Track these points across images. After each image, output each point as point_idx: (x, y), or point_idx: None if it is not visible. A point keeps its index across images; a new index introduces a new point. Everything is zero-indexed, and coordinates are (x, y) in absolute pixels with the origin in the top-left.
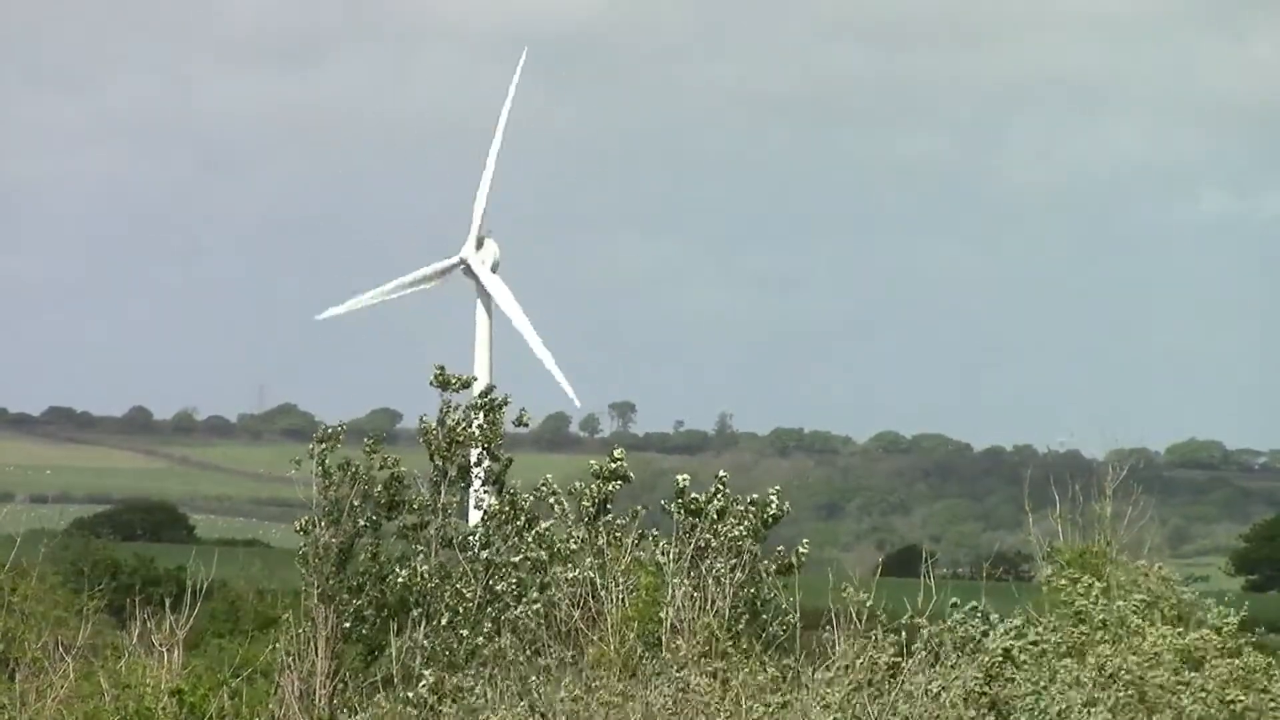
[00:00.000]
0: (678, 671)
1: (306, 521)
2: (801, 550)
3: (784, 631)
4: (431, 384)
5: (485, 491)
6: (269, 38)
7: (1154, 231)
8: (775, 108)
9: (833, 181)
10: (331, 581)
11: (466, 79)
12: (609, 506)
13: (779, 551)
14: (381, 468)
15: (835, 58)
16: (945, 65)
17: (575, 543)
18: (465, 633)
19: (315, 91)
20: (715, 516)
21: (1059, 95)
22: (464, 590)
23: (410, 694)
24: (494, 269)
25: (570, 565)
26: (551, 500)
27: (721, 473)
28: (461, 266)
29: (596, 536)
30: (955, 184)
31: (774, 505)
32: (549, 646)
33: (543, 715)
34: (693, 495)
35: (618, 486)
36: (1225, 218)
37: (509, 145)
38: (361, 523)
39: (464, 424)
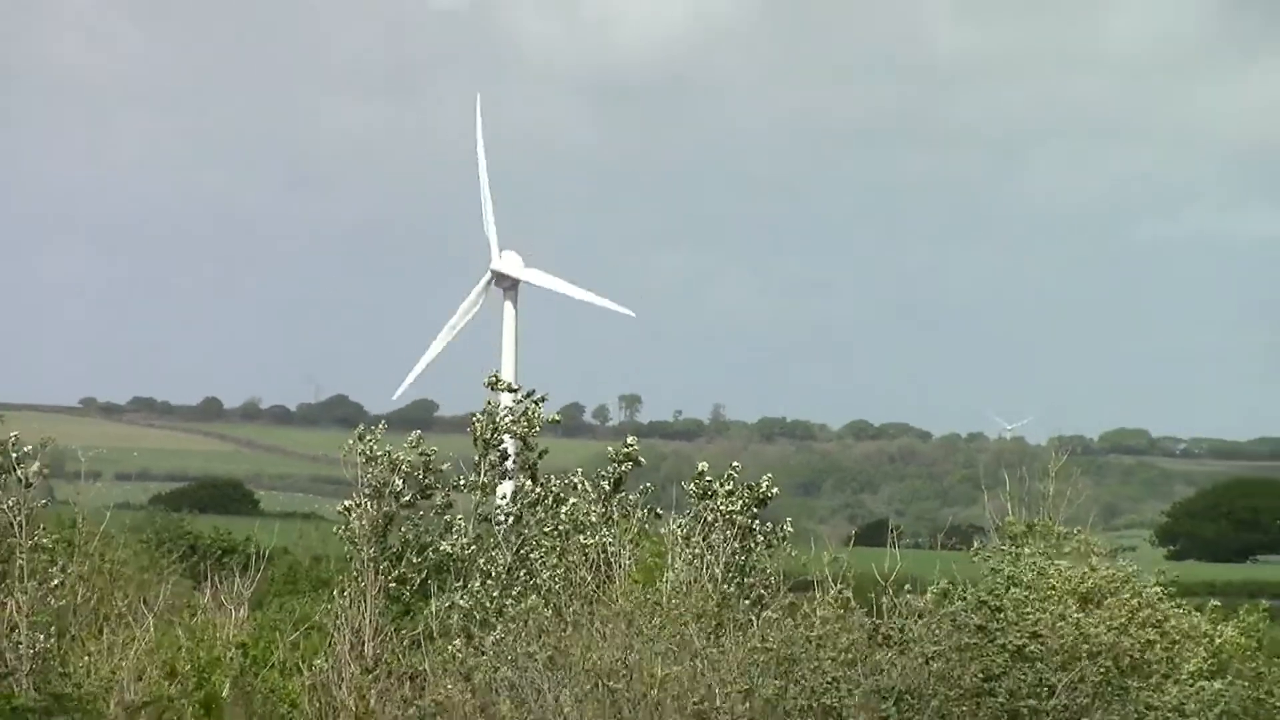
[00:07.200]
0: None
1: (350, 504)
2: (787, 528)
3: (766, 592)
4: (484, 385)
5: (521, 477)
6: (366, 70)
7: (1127, 249)
8: (812, 132)
9: (845, 202)
10: (374, 550)
11: (542, 113)
12: (622, 485)
13: (768, 526)
14: (420, 455)
15: (876, 89)
16: (975, 98)
17: (594, 516)
18: (496, 594)
19: (405, 121)
20: (724, 497)
21: (1073, 126)
22: (496, 557)
23: (450, 648)
24: (515, 284)
25: (589, 535)
26: (577, 481)
27: (735, 463)
28: (493, 278)
29: (611, 511)
30: (959, 205)
31: (765, 487)
32: (569, 605)
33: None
34: (708, 480)
35: (629, 468)
36: (1199, 236)
37: (549, 170)
38: (405, 499)
39: (508, 418)
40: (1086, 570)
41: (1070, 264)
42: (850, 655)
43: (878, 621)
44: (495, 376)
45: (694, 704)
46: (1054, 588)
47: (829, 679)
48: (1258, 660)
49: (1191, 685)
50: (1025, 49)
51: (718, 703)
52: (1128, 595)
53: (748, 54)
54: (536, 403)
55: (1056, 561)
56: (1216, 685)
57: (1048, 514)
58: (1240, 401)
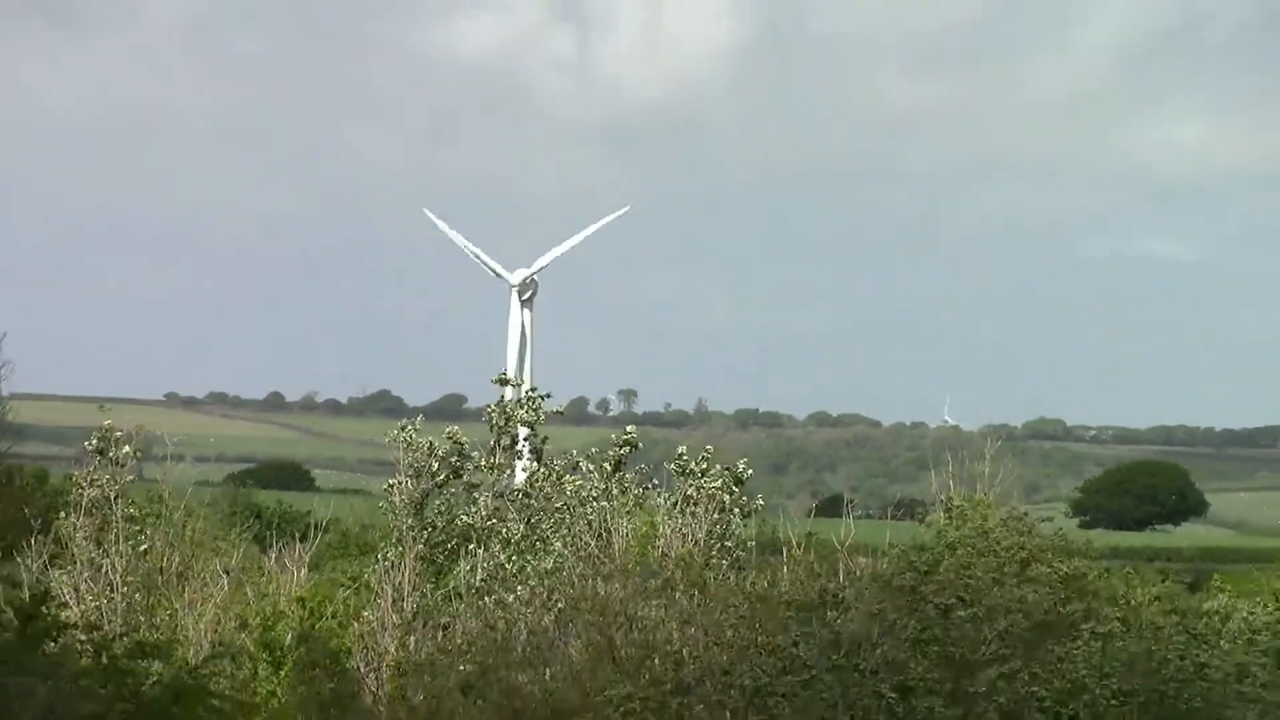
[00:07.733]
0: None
1: (392, 483)
2: (759, 502)
3: (744, 555)
4: (493, 383)
5: (530, 457)
6: (403, 112)
7: (1055, 267)
8: (789, 177)
9: (812, 228)
10: (412, 521)
11: (557, 158)
12: (623, 466)
13: (743, 499)
14: (452, 442)
15: (844, 139)
16: (929, 145)
17: (596, 492)
18: (514, 557)
19: (432, 157)
20: (699, 474)
21: (1003, 167)
22: (511, 526)
23: (478, 604)
24: (532, 296)
25: (590, 509)
26: (581, 462)
27: (709, 447)
28: (508, 287)
29: (612, 487)
30: (908, 232)
31: (741, 469)
32: (575, 567)
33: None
34: (688, 460)
35: (628, 451)
36: (1104, 258)
37: (563, 203)
38: (439, 479)
39: (516, 409)
40: (1023, 538)
41: (997, 282)
42: (806, 614)
43: (826, 584)
44: (502, 375)
45: (675, 652)
46: (995, 552)
47: (795, 634)
48: (1168, 620)
49: (1098, 641)
50: (963, 101)
51: (700, 650)
52: (1058, 561)
53: (732, 105)
54: (541, 398)
55: (992, 531)
56: (1128, 643)
57: (983, 490)
58: (1141, 396)
